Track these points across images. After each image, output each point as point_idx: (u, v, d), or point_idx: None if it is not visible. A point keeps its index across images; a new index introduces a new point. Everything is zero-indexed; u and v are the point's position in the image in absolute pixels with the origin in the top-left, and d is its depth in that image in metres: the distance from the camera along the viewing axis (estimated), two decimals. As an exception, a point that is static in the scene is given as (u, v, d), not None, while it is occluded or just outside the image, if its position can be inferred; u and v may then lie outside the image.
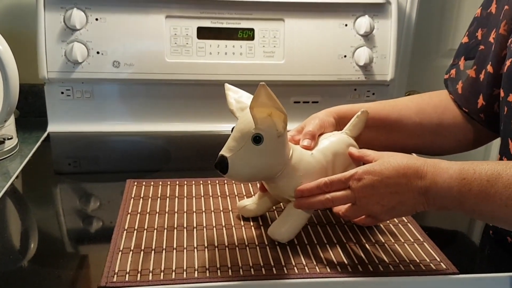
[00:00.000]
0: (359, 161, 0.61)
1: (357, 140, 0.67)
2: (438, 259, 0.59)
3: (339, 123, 0.69)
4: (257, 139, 0.54)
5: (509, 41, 0.61)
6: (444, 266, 0.58)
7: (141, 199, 0.71)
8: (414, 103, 0.73)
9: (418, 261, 0.59)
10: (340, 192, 0.57)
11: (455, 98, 0.72)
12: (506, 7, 0.64)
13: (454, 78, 0.73)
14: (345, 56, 1.02)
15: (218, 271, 0.55)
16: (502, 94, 0.62)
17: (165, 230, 0.63)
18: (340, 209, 0.59)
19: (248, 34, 0.99)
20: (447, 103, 0.74)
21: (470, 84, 0.70)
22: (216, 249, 0.59)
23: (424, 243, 0.63)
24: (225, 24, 0.97)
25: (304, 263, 0.58)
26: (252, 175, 0.57)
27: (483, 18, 0.70)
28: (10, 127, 0.89)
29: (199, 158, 0.91)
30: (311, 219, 0.67)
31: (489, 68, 0.66)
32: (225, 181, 0.77)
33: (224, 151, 0.55)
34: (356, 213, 0.58)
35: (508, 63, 0.60)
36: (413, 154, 0.70)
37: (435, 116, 0.72)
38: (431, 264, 0.58)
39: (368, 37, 1.02)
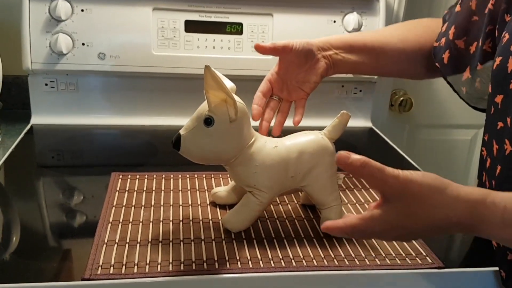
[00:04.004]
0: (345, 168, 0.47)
1: (346, 70, 0.69)
2: (424, 253, 0.60)
3: (340, 48, 0.70)
4: (208, 121, 0.56)
5: (502, 34, 0.59)
6: (430, 260, 0.58)
7: (126, 192, 0.70)
8: (398, 32, 0.75)
9: (404, 255, 0.59)
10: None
11: (440, 68, 0.72)
12: None
13: (442, 46, 0.71)
14: (333, 52, 1.02)
15: (205, 264, 0.55)
16: (490, 90, 0.61)
17: (151, 223, 0.62)
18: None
19: (236, 29, 0.98)
20: (429, 33, 0.74)
21: (457, 55, 0.69)
22: (203, 242, 0.59)
23: (410, 238, 0.63)
24: (213, 18, 0.97)
25: (301, 255, 0.57)
26: (203, 156, 0.58)
27: None
28: (-8, 118, 0.87)
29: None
30: (306, 212, 0.67)
31: (480, 42, 0.65)
32: (212, 175, 0.77)
33: (181, 129, 0.58)
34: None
35: (498, 61, 0.58)
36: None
37: (417, 44, 0.74)
38: (417, 258, 0.59)
39: (356, 33, 1.02)
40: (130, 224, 0.62)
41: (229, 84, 0.61)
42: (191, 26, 0.96)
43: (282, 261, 0.56)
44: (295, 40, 0.67)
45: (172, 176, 0.76)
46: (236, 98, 0.58)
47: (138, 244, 0.57)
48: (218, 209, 0.67)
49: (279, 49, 0.67)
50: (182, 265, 0.54)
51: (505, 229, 0.45)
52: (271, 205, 0.69)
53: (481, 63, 0.65)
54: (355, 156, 0.45)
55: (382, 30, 0.76)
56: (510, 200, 0.45)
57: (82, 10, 0.92)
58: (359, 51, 0.70)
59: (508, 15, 0.60)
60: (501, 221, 0.44)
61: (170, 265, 0.54)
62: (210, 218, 0.65)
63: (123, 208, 0.65)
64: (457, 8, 0.70)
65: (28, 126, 0.95)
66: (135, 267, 0.53)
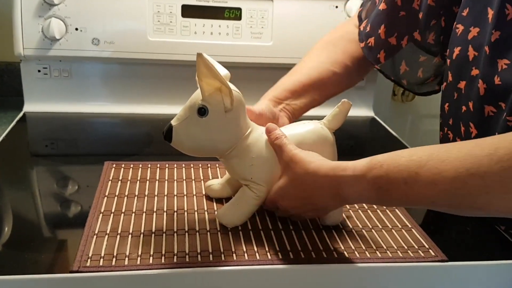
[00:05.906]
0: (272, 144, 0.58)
1: (298, 113, 0.72)
2: (427, 246, 0.58)
3: (289, 98, 0.72)
4: (201, 111, 0.53)
5: (455, 25, 0.63)
6: (433, 253, 0.56)
7: (120, 182, 0.68)
8: (324, 56, 0.78)
9: (406, 247, 0.57)
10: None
11: (380, 68, 0.76)
12: None
13: (373, 47, 0.75)
14: (334, 39, 0.99)
15: (199, 256, 0.53)
16: (450, 78, 0.65)
17: (144, 214, 0.60)
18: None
19: (235, 14, 0.95)
20: (352, 45, 0.78)
21: (391, 52, 0.74)
22: (197, 234, 0.57)
23: (412, 230, 0.61)
24: (211, 3, 0.94)
25: (299, 248, 0.55)
26: (196, 147, 0.55)
27: None
28: (-17, 106, 0.85)
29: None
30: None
31: (416, 35, 0.71)
32: (208, 165, 0.75)
33: (173, 120, 0.55)
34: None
35: (457, 51, 0.62)
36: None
37: (348, 61, 0.77)
38: (419, 251, 0.57)
39: (358, 20, 0.99)
40: (123, 214, 0.60)
41: (222, 72, 0.58)
42: (188, 11, 0.94)
43: (279, 254, 0.54)
44: (261, 107, 0.68)
45: (167, 165, 0.73)
46: (232, 86, 0.55)
47: (130, 235, 0.55)
48: (213, 200, 0.65)
49: (256, 115, 0.67)
50: (175, 257, 0.52)
51: (358, 184, 0.50)
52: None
53: (424, 56, 0.73)
54: (277, 131, 0.57)
55: (311, 60, 0.78)
56: (358, 162, 0.51)
57: (76, -6, 0.89)
58: (303, 93, 0.73)
59: (456, 7, 0.65)
60: (353, 178, 0.50)
61: (163, 257, 0.52)
62: (205, 209, 0.63)
63: (116, 198, 0.63)
64: (382, 6, 0.73)
65: (21, 114, 0.93)
66: (126, 259, 0.51)
